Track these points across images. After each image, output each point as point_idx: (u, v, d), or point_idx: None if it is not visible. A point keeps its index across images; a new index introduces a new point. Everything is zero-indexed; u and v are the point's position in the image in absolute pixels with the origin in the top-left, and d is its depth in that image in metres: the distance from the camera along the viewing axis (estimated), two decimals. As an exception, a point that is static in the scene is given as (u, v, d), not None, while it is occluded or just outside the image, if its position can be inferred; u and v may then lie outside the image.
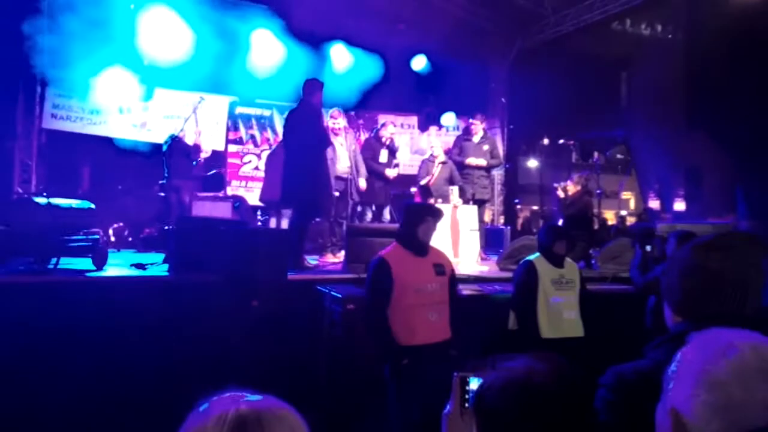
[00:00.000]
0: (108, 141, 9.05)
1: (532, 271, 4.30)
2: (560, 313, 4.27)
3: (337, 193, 7.06)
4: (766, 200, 9.49)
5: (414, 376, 3.47)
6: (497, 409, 1.13)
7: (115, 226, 8.04)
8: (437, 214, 3.79)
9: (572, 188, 7.70)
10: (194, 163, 7.89)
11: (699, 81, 12.54)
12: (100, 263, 5.14)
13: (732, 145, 10.76)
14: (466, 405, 1.17)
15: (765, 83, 9.61)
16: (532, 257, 4.44)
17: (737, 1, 9.76)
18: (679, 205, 14.57)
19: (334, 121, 7.21)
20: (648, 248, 4.89)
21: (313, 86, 6.30)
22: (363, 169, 7.45)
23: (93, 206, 5.51)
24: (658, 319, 4.47)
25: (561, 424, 1.12)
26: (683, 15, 13.37)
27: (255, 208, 9.09)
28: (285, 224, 7.50)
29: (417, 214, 3.77)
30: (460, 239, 7.25)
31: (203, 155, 8.11)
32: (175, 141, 7.71)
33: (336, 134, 7.14)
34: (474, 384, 1.19)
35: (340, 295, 4.60)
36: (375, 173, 7.60)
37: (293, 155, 6.23)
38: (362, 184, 7.42)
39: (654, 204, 15.15)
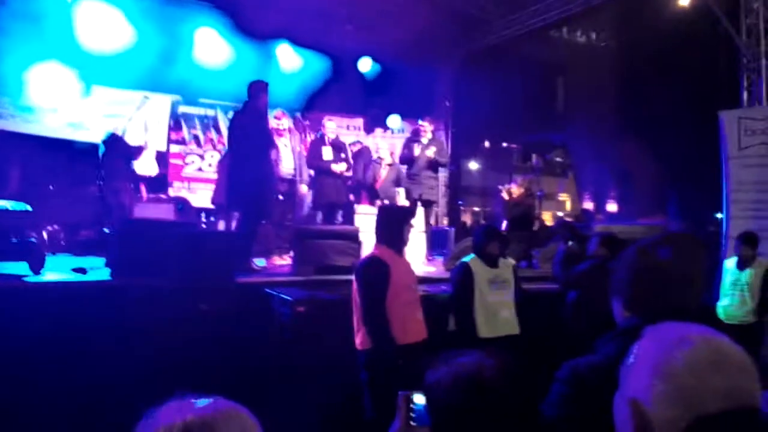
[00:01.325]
0: (39, 139, 8.60)
1: (468, 272, 4.37)
2: (496, 312, 4.34)
3: (281, 197, 7.01)
4: (694, 202, 9.98)
5: (405, 375, 3.46)
6: (448, 402, 1.18)
7: (50, 228, 7.68)
8: (415, 215, 4.23)
9: (516, 191, 7.95)
10: (133, 162, 7.65)
11: (631, 87, 13.07)
12: (37, 268, 4.91)
13: (662, 149, 11.26)
14: (412, 423, 1.21)
15: (693, 90, 10.13)
16: (467, 258, 4.52)
17: (668, 12, 10.25)
18: (612, 207, 15.15)
19: (278, 122, 7.15)
20: (570, 244, 5.10)
21: (258, 88, 6.23)
22: (305, 175, 7.42)
23: (29, 208, 5.28)
24: (578, 313, 4.66)
25: (509, 416, 1.19)
26: (616, 24, 13.90)
27: (198, 210, 8.90)
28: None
29: (402, 215, 3.93)
30: (407, 240, 7.31)
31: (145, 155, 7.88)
32: (114, 140, 7.43)
33: (280, 135, 7.08)
34: (419, 399, 1.23)
35: (289, 298, 4.57)
36: (324, 171, 7.53)
37: (239, 158, 6.14)
38: (303, 189, 7.39)
39: (589, 205, 15.70)
